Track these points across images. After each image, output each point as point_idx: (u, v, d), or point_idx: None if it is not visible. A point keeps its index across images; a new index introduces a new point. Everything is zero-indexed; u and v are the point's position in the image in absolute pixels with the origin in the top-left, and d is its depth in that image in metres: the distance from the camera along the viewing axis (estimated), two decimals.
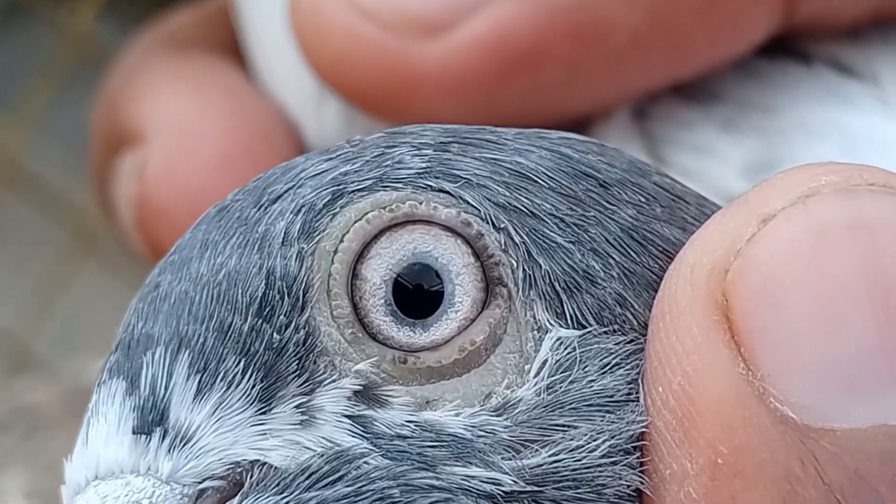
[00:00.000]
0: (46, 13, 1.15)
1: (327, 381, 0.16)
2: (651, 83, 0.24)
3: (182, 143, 0.25)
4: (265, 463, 0.16)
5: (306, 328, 0.16)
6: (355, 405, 0.16)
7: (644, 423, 0.16)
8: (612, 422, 0.16)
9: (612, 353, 0.16)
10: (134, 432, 0.16)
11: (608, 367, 0.16)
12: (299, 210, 0.17)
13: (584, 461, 0.16)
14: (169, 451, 0.16)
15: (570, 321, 0.16)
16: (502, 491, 0.15)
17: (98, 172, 0.28)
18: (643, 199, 0.18)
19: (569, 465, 0.16)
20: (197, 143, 0.25)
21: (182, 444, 0.16)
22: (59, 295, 1.08)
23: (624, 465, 0.16)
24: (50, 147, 1.09)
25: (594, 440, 0.16)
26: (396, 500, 0.15)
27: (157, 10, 0.32)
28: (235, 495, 0.16)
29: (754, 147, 0.22)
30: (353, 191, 0.17)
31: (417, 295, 0.16)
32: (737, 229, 0.15)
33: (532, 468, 0.16)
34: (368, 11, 0.22)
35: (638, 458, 0.16)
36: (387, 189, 0.17)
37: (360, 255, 0.16)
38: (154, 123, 0.26)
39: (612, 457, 0.16)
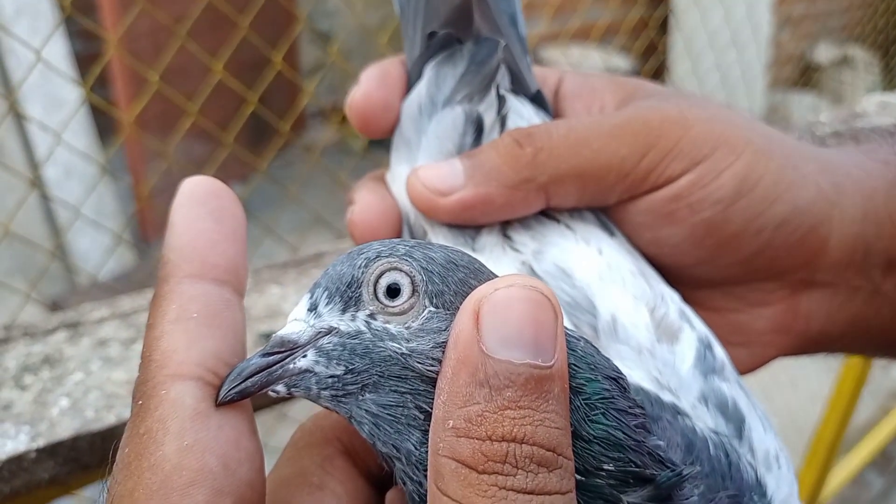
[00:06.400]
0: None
1: (361, 310, 0.33)
2: (505, 218, 0.48)
3: (364, 207, 0.50)
4: (337, 328, 0.33)
5: (358, 292, 0.33)
6: (368, 319, 0.33)
7: (447, 338, 0.31)
8: (442, 337, 0.32)
9: (446, 316, 0.32)
10: (308, 309, 0.34)
11: (444, 320, 0.32)
12: (365, 258, 0.34)
13: (430, 346, 0.32)
14: (315, 317, 0.34)
15: (435, 306, 0.33)
16: (402, 352, 0.32)
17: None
18: (470, 270, 0.34)
19: (425, 346, 0.32)
20: (370, 209, 0.50)
21: (320, 316, 0.34)
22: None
23: (441, 349, 0.31)
24: None
25: (434, 339, 0.32)
26: (367, 347, 0.32)
27: None
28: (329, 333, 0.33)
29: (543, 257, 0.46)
30: (380, 255, 0.34)
31: (392, 291, 0.33)
32: (487, 288, 0.30)
33: (414, 349, 0.32)
34: (425, 184, 0.46)
35: (442, 349, 0.31)
36: (389, 257, 0.34)
37: (379, 276, 0.33)
38: (358, 198, 0.51)
39: (438, 347, 0.32)
